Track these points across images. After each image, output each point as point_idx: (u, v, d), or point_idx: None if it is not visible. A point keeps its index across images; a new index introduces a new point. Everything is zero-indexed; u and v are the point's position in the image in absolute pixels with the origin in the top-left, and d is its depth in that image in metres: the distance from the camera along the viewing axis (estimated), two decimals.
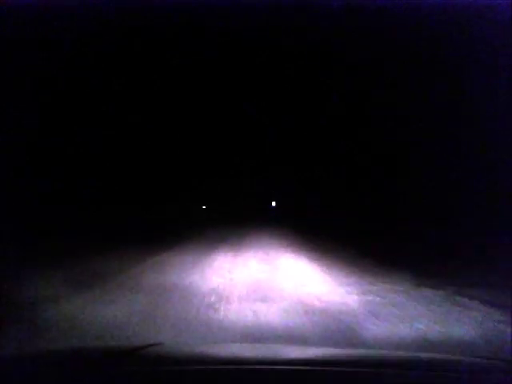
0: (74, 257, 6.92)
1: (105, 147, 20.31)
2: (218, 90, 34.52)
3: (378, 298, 4.47)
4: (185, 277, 5.49)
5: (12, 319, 3.45)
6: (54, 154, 16.22)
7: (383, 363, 1.57)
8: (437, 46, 13.28)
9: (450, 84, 13.22)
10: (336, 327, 3.46)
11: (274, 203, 50.82)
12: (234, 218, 28.03)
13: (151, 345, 1.75)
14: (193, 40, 27.34)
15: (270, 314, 3.77)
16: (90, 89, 18.50)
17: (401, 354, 2.50)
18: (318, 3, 15.71)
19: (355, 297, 4.51)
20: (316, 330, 3.33)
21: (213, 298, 4.30)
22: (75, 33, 14.85)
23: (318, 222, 21.31)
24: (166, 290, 4.65)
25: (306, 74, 27.24)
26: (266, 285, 5.13)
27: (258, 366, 1.44)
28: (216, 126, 39.64)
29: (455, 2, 11.39)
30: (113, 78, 20.16)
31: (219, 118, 38.88)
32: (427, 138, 14.50)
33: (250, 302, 4.19)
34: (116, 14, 14.69)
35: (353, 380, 1.27)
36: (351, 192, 22.22)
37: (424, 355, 2.16)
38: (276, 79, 33.69)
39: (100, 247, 8.48)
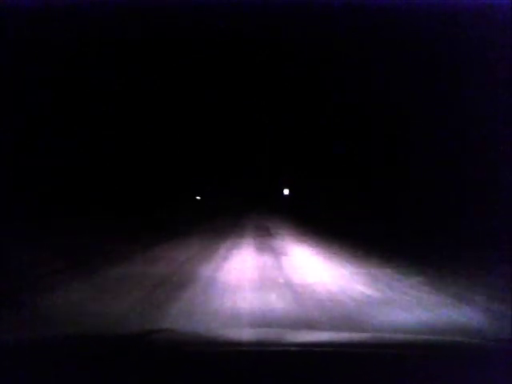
0: None
1: (106, 145, 20.31)
2: (228, 83, 34.60)
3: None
4: None
5: None
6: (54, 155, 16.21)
7: (385, 345, 1.57)
8: (437, 45, 13.25)
9: (451, 84, 13.20)
10: None
11: (286, 191, 41.87)
12: (240, 213, 26.80)
13: (157, 331, 1.76)
14: (193, 39, 27.30)
15: None
16: (94, 89, 18.52)
17: (403, 336, 2.51)
18: (318, 3, 15.68)
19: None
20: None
21: None
22: (75, 33, 14.84)
23: (332, 214, 19.80)
24: None
25: (317, 67, 27.02)
26: None
27: (262, 348, 1.45)
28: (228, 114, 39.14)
29: (455, 2, 11.36)
30: (114, 78, 20.15)
31: (236, 106, 38.52)
32: (427, 136, 14.49)
33: None
34: (116, 14, 14.68)
35: (356, 360, 1.27)
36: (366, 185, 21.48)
37: (427, 338, 2.18)
38: (281, 72, 33.34)
39: None
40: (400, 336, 2.50)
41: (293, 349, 1.47)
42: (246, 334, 2.10)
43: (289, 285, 5.24)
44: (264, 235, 12.46)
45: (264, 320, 3.66)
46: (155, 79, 25.44)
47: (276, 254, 8.48)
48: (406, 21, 12.99)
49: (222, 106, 39.06)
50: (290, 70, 30.70)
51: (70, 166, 16.67)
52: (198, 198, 38.77)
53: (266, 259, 7.57)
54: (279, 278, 5.75)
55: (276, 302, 4.29)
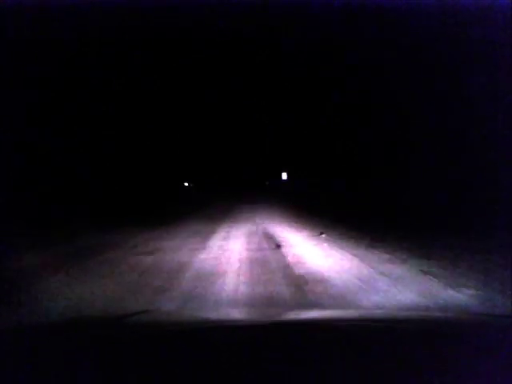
0: None
1: (104, 144, 20.28)
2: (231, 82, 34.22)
3: None
4: None
5: None
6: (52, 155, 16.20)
7: (385, 320, 1.55)
8: (437, 45, 13.26)
9: (451, 83, 13.21)
10: None
11: (285, 176, 37.03)
12: (237, 196, 25.40)
13: (142, 312, 1.73)
14: (193, 39, 27.27)
15: None
16: (94, 90, 18.50)
17: (403, 313, 2.48)
18: (318, 3, 15.69)
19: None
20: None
21: None
22: (75, 33, 14.84)
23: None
24: None
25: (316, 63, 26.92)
26: None
27: (247, 324, 1.43)
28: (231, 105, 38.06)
29: (455, 2, 11.37)
30: (114, 78, 20.14)
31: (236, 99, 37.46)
32: (427, 137, 14.49)
33: None
34: (116, 14, 14.68)
35: (353, 334, 1.25)
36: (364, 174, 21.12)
37: (426, 314, 2.16)
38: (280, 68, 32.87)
39: None
40: (400, 313, 2.48)
41: (281, 323, 1.44)
42: (231, 313, 2.09)
43: None
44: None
45: None
46: (152, 70, 25.30)
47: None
48: (406, 21, 13.01)
49: (219, 92, 38.27)
50: (287, 61, 30.47)
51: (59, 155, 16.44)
52: (186, 184, 34.95)
53: None
54: None
55: None
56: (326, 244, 7.16)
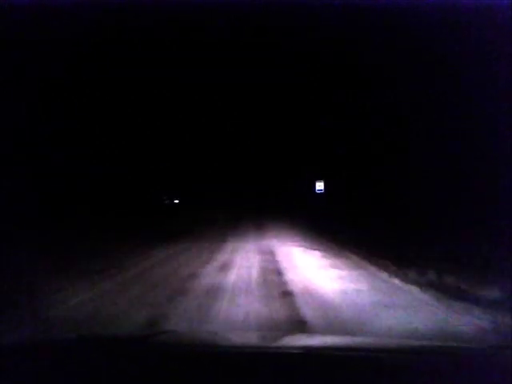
0: None
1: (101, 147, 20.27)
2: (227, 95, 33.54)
3: None
4: None
5: None
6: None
7: (383, 350, 1.58)
8: (437, 45, 13.21)
9: (451, 84, 13.16)
10: None
11: (320, 185, 27.31)
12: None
13: (162, 332, 1.78)
14: (192, 39, 27.34)
15: None
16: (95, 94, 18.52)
17: (404, 341, 2.50)
18: (319, 2, 15.70)
19: None
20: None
21: None
22: (74, 33, 14.87)
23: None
24: None
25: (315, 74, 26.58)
26: None
27: (262, 350, 1.47)
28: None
29: (455, 2, 11.33)
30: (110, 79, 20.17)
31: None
32: (427, 137, 14.42)
33: None
34: (116, 16, 14.72)
35: (354, 364, 1.27)
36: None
37: (427, 343, 2.17)
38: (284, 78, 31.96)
39: None
40: (400, 341, 2.51)
41: (293, 351, 1.48)
42: (248, 337, 2.14)
43: None
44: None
45: None
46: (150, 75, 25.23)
47: None
48: (405, 21, 12.98)
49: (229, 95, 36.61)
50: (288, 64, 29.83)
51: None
52: (176, 201, 27.57)
53: None
54: None
55: None
56: None
